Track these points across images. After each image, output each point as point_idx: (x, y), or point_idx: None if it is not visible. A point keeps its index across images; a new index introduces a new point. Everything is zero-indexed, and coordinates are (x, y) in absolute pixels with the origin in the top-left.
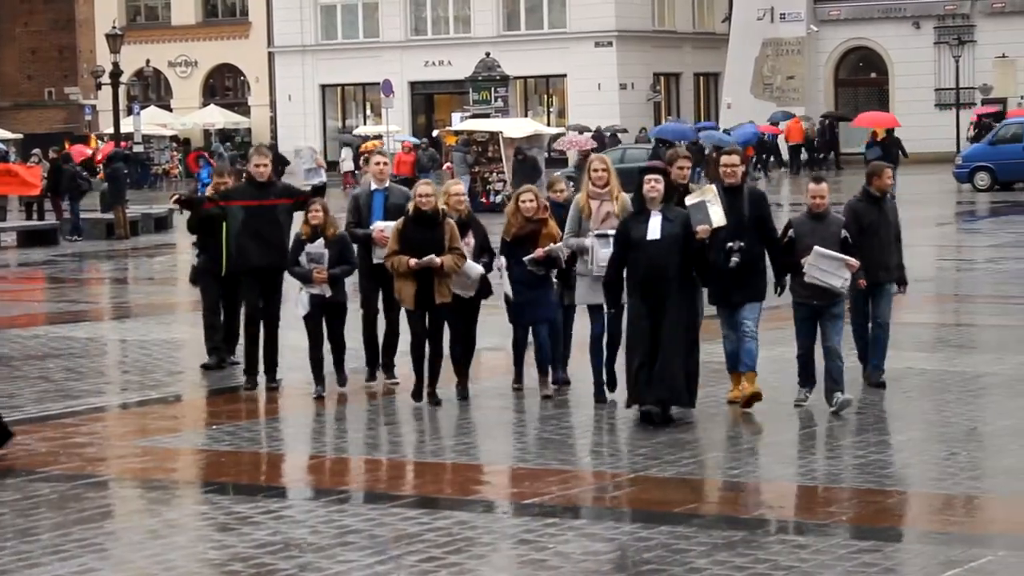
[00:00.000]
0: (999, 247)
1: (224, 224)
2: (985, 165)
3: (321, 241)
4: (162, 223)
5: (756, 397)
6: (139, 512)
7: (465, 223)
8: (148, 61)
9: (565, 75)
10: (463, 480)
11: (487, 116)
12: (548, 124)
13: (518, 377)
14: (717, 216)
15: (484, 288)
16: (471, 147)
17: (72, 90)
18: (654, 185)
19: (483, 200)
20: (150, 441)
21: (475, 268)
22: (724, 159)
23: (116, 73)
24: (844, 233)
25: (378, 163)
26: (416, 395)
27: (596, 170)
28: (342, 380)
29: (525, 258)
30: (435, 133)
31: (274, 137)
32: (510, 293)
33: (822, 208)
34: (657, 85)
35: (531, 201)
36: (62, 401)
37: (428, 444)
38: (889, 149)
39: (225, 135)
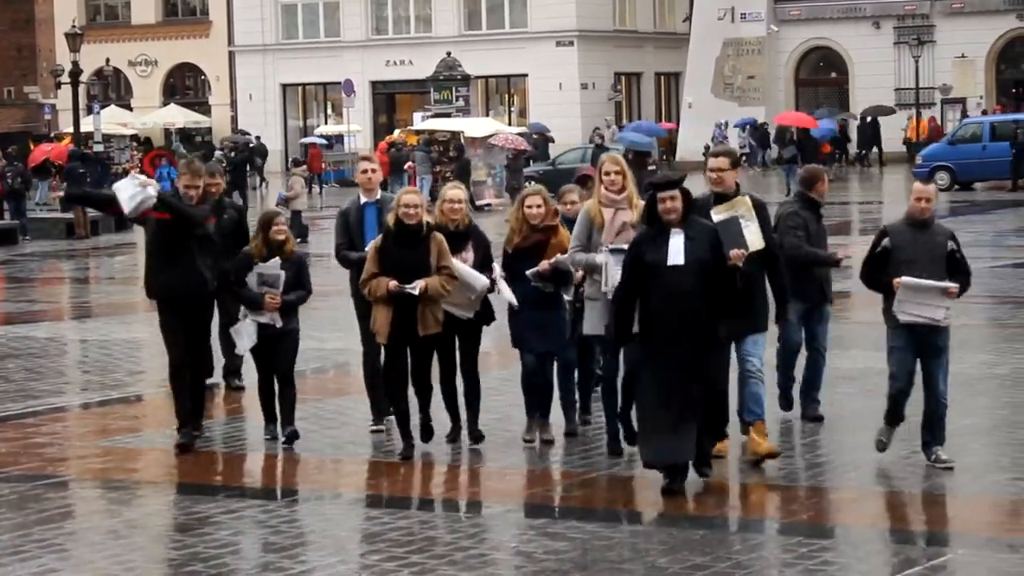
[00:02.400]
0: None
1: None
2: (945, 165)
3: (276, 261)
4: (122, 222)
5: (771, 455)
6: (100, 512)
7: (464, 234)
8: (108, 60)
9: (526, 75)
10: (425, 480)
11: (448, 116)
12: (509, 124)
13: (531, 425)
14: (753, 236)
15: (486, 312)
16: (433, 147)
17: (31, 89)
18: (670, 206)
19: None
20: (111, 441)
21: (479, 280)
22: (712, 162)
23: (76, 72)
24: (951, 245)
25: (365, 171)
26: (407, 455)
27: (608, 173)
28: (290, 434)
29: (528, 272)
30: (396, 133)
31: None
32: (514, 301)
33: (927, 214)
34: (618, 85)
35: (538, 206)
36: (22, 401)
37: (390, 444)
38: (806, 149)
39: (185, 134)
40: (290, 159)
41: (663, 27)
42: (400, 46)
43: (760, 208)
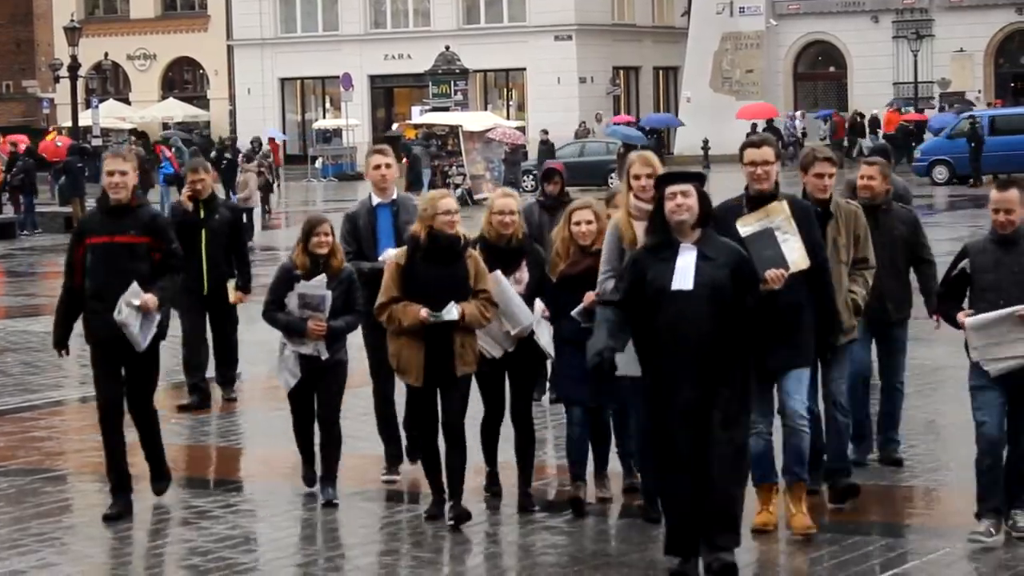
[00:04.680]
0: (957, 240)
1: (203, 234)
2: (943, 159)
3: (322, 278)
4: None
5: (807, 533)
6: (98, 506)
7: (518, 251)
8: (106, 54)
9: (525, 68)
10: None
11: (447, 109)
12: (508, 118)
13: (578, 491)
14: (794, 252)
15: (534, 361)
16: (431, 140)
17: (30, 83)
18: (681, 202)
19: None
20: None
21: (527, 314)
22: (751, 153)
23: (74, 66)
24: None
25: (378, 166)
26: (435, 513)
27: (638, 176)
28: (331, 493)
29: (574, 312)
30: (395, 127)
31: (234, 131)
32: (551, 351)
33: (1010, 228)
34: (616, 79)
35: (588, 223)
36: (20, 395)
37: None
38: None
39: (184, 129)
40: (240, 155)
41: (661, 21)
42: (398, 40)
43: (803, 213)
